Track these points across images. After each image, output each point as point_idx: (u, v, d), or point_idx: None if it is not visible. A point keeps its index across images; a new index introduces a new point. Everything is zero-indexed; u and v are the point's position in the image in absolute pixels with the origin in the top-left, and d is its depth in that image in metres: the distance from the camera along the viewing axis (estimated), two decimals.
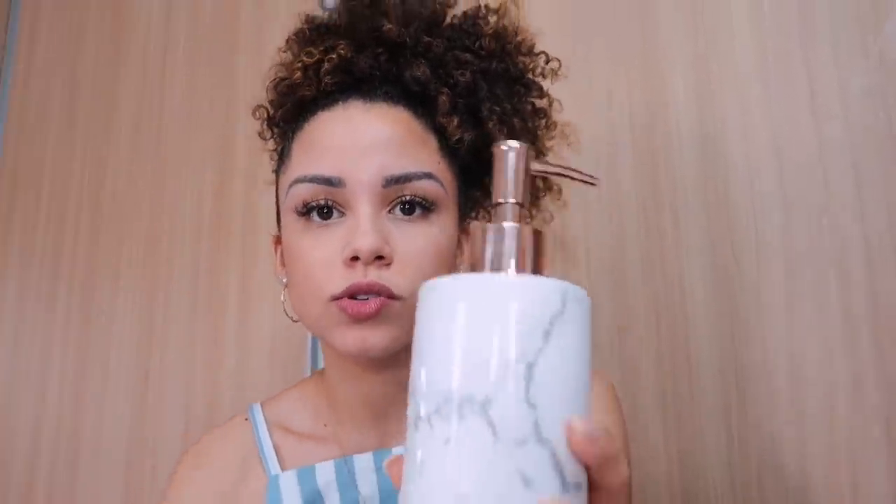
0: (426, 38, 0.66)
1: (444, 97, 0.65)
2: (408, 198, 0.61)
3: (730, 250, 0.86)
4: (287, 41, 0.72)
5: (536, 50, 0.72)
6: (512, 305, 0.35)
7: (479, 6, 0.70)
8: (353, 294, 0.58)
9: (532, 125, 0.71)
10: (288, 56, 0.71)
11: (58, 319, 1.36)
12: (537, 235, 0.39)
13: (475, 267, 0.39)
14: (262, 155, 1.21)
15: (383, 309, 0.58)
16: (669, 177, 0.90)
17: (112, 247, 1.33)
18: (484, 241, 0.39)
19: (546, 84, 0.73)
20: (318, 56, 0.66)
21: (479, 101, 0.67)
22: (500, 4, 0.71)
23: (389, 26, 0.66)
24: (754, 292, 0.84)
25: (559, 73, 0.74)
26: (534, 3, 1.01)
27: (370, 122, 0.62)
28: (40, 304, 1.39)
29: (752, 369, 0.83)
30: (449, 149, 0.66)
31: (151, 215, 1.30)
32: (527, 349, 0.34)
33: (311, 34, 0.70)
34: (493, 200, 0.41)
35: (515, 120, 0.68)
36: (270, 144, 0.75)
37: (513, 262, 0.38)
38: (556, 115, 0.75)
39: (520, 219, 0.40)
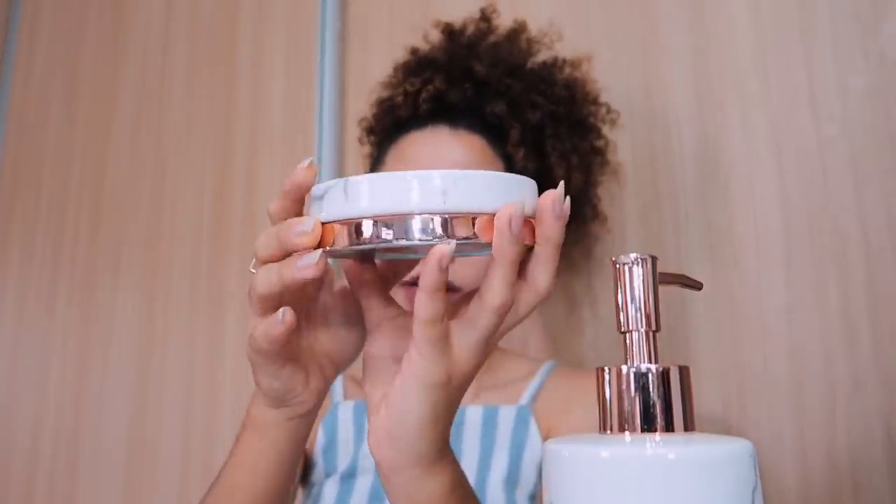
0: (507, 80, 0.79)
1: (515, 131, 0.77)
2: None
3: (730, 250, 0.86)
4: (395, 68, 0.86)
5: (600, 101, 0.86)
6: (702, 483, 0.28)
7: (557, 58, 0.84)
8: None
9: (588, 162, 0.84)
10: (392, 79, 0.85)
11: (58, 319, 1.36)
12: (684, 374, 0.33)
13: (605, 422, 0.32)
14: (261, 154, 1.21)
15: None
16: (669, 177, 0.90)
17: (112, 247, 1.33)
18: (618, 388, 0.32)
19: (605, 129, 0.87)
20: (418, 86, 0.80)
21: (544, 138, 0.80)
22: (575, 59, 0.85)
23: (480, 68, 0.79)
24: (754, 292, 0.84)
25: (617, 122, 0.87)
26: None
27: (452, 145, 0.74)
28: (40, 304, 1.39)
29: (752, 369, 0.83)
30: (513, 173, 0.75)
31: (151, 215, 1.30)
32: None
33: (414, 66, 0.84)
34: (621, 328, 0.34)
35: (574, 156, 0.81)
36: (366, 150, 0.88)
37: (664, 420, 0.31)
38: (611, 156, 0.88)
39: (656, 353, 0.33)
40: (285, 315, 0.41)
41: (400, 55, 0.88)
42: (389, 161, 0.77)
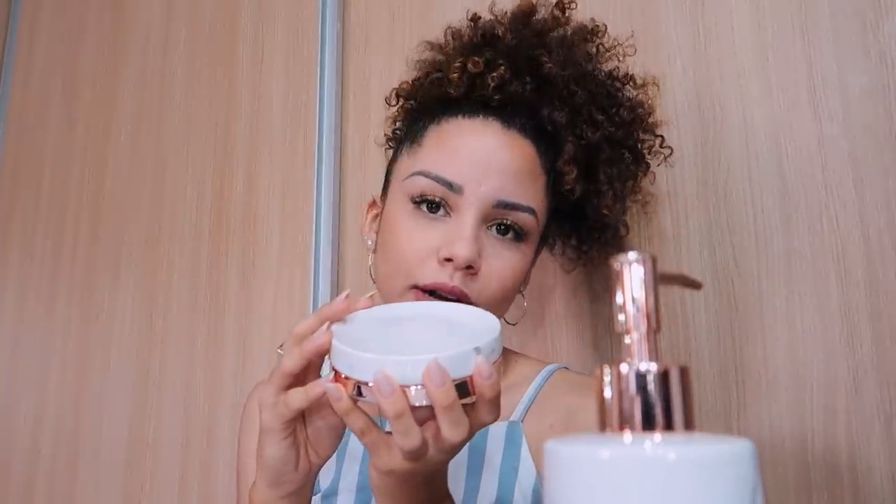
0: (573, 87, 0.72)
1: (570, 146, 0.71)
2: (508, 222, 0.68)
3: (730, 250, 0.86)
4: (452, 35, 0.77)
5: (657, 132, 0.81)
6: (702, 483, 0.29)
7: (629, 74, 0.79)
8: (435, 290, 0.65)
9: (627, 190, 0.79)
10: (446, 47, 0.77)
11: (58, 319, 1.36)
12: (684, 374, 0.33)
13: (604, 420, 0.33)
14: (261, 154, 1.21)
15: None
16: (669, 176, 0.90)
17: (112, 247, 1.33)
18: (618, 388, 0.32)
19: (652, 162, 0.82)
20: (481, 68, 0.72)
21: (598, 162, 0.74)
22: (644, 81, 0.79)
23: (550, 65, 0.72)
24: (754, 292, 0.84)
25: (668, 160, 0.83)
26: None
27: (502, 147, 0.68)
28: (40, 304, 1.39)
29: (752, 369, 0.83)
30: (553, 189, 0.73)
31: (151, 215, 1.30)
32: None
33: (478, 39, 0.75)
34: (619, 328, 0.34)
35: (618, 184, 0.76)
36: (392, 111, 0.82)
37: (664, 420, 0.31)
38: (645, 184, 0.84)
39: (656, 353, 0.33)
40: (319, 384, 0.53)
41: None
42: (428, 144, 0.70)
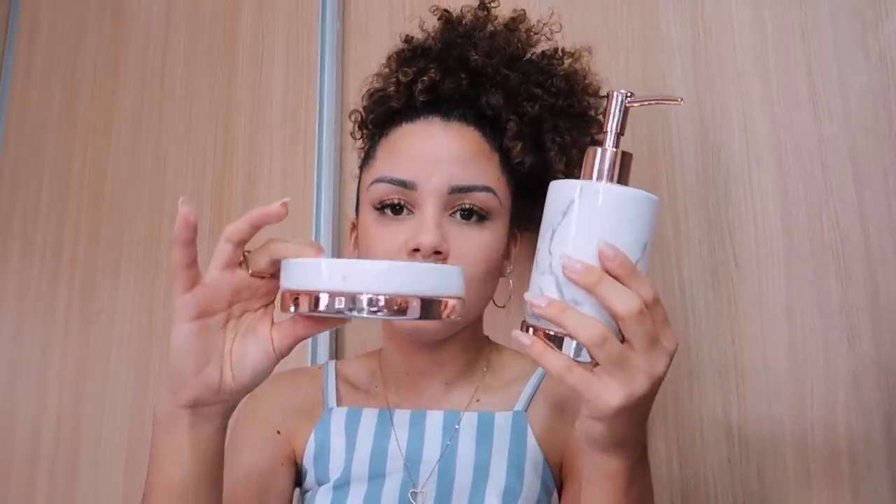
0: (505, 71, 0.77)
1: (512, 124, 0.75)
2: (467, 205, 0.71)
3: (730, 250, 0.86)
4: (388, 57, 0.83)
5: (602, 94, 0.82)
6: (555, 197, 0.54)
7: (557, 48, 0.81)
8: None
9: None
10: (385, 70, 0.83)
11: (58, 319, 1.36)
12: (624, 156, 0.54)
13: (584, 176, 0.54)
14: (261, 154, 1.21)
15: None
16: (669, 176, 0.90)
17: (112, 246, 1.33)
18: (592, 159, 0.54)
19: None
20: (412, 76, 0.77)
21: (542, 132, 0.77)
22: (576, 50, 0.82)
23: (476, 58, 0.76)
24: (754, 292, 0.84)
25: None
26: None
27: (446, 137, 0.72)
28: (40, 304, 1.39)
29: (751, 369, 0.83)
30: (510, 167, 0.75)
31: (151, 215, 1.30)
32: (553, 222, 0.53)
33: (408, 54, 0.81)
34: (603, 130, 0.55)
35: (574, 151, 0.78)
36: (359, 143, 0.86)
37: (603, 174, 0.54)
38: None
39: (617, 145, 0.54)
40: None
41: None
42: (380, 155, 0.74)
